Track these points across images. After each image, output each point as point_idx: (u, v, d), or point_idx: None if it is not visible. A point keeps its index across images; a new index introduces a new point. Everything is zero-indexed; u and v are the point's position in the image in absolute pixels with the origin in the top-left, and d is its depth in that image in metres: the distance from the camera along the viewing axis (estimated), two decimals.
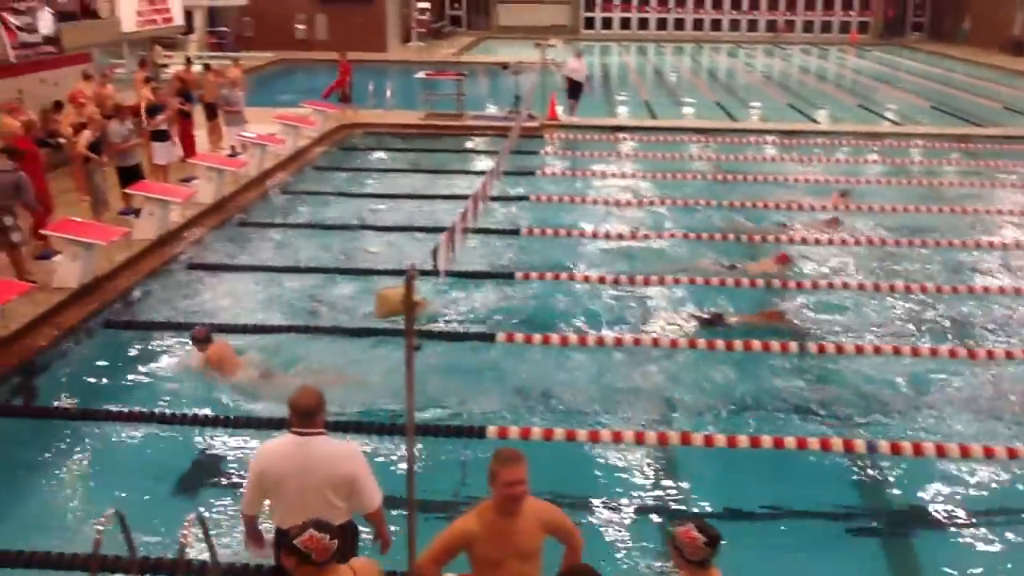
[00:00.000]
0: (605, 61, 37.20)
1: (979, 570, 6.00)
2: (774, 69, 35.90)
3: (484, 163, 16.77)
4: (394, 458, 7.00)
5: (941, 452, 7.12)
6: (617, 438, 7.40)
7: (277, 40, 35.08)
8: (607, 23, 48.39)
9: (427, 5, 40.47)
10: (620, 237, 12.88)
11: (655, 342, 9.27)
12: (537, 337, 9.23)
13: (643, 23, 48.37)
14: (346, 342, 9.27)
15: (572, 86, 22.12)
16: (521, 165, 16.76)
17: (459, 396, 8.17)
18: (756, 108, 25.48)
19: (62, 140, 13.51)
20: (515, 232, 12.89)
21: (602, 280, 11.01)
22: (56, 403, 8.07)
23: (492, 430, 7.40)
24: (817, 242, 12.57)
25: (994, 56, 38.30)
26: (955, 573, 5.97)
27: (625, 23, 48.37)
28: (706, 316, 9.87)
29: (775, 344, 9.10)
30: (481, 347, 9.17)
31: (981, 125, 22.55)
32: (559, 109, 21.09)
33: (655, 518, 6.58)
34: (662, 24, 48.29)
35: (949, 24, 46.62)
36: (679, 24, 48.28)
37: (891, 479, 7.11)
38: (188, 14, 26.95)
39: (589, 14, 48.41)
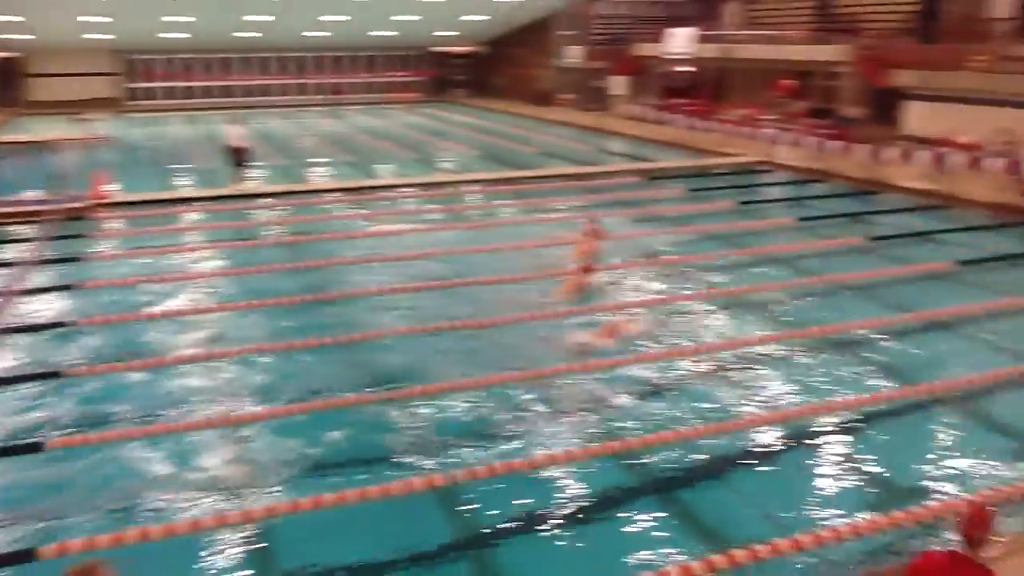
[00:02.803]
0: (153, 131, 35.56)
1: (571, 567, 6.51)
2: (332, 130, 36.87)
3: (17, 253, 15.08)
4: None
5: (510, 468, 7.61)
6: (197, 527, 6.89)
7: None
8: (151, 93, 46.48)
9: None
10: (197, 312, 12.24)
11: (231, 420, 8.85)
12: (93, 436, 8.35)
13: (189, 92, 47.15)
14: None
15: (238, 154, 21.63)
16: (68, 251, 15.29)
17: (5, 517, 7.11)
18: (320, 169, 25.94)
19: None
20: (60, 324, 11.63)
21: (161, 363, 10.32)
22: None
23: (49, 550, 6.50)
24: (393, 291, 13.01)
25: (528, 107, 43.05)
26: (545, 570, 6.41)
27: (170, 93, 46.77)
28: None
29: (352, 397, 9.14)
30: (27, 459, 8.08)
31: (523, 169, 25.08)
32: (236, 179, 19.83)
33: None
34: (208, 92, 47.46)
35: (488, 81, 51.61)
36: (227, 91, 47.79)
37: (477, 503, 7.46)
38: None
39: (133, 84, 46.13)
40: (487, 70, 51.87)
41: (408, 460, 8.14)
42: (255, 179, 22.49)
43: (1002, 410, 9.32)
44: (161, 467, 8.04)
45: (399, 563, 6.64)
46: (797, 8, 35.37)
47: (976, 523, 4.51)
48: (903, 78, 26.33)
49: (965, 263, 14.68)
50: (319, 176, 24.72)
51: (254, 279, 13.91)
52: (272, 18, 40.73)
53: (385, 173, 25.12)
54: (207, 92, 47.46)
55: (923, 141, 24.15)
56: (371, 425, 8.87)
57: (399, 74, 51.17)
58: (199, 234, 17.34)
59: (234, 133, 22.17)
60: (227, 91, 47.78)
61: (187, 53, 46.02)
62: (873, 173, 22.37)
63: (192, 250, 16.01)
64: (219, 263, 14.96)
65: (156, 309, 12.31)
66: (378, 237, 16.72)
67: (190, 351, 10.71)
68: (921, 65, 26.11)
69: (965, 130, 23.95)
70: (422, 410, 9.16)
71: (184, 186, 22.93)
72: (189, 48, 45.39)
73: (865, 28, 31.07)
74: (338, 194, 21.10)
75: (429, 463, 8.01)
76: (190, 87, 47.20)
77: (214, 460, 8.21)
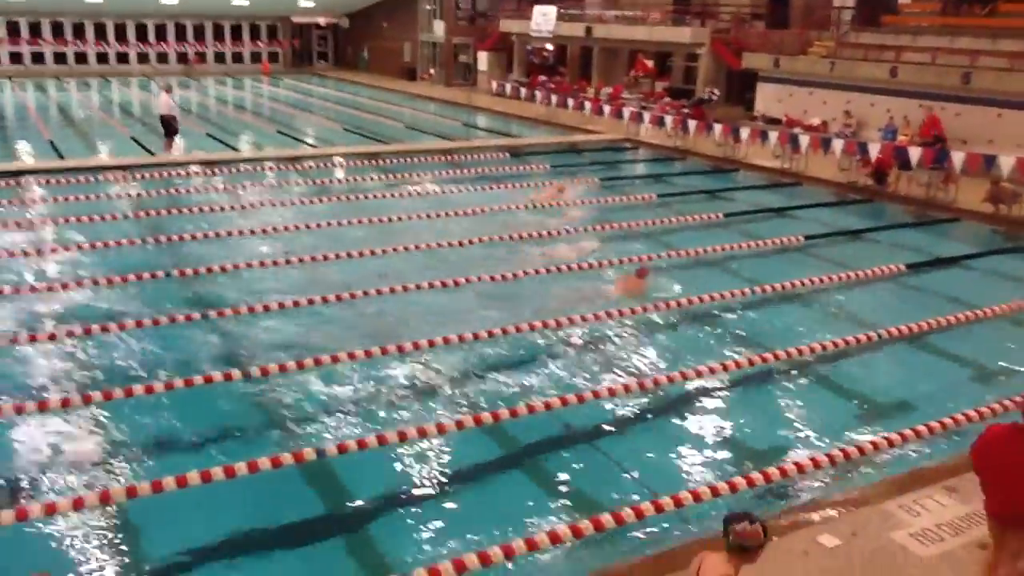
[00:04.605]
0: None
1: (441, 536, 6.52)
2: (191, 101, 35.37)
3: None
4: None
5: (382, 441, 7.59)
6: (51, 510, 6.55)
7: None
8: None
9: None
10: (52, 288, 11.56)
11: (86, 399, 8.43)
12: None
13: (38, 57, 44.34)
14: None
15: (169, 123, 21.37)
16: None
17: None
18: (177, 141, 24.79)
19: None
20: None
21: (15, 342, 9.75)
22: None
23: None
24: (248, 266, 12.65)
25: (393, 81, 42.55)
26: (419, 545, 6.42)
27: (16, 58, 43.85)
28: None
29: (217, 375, 8.86)
30: None
31: (388, 143, 24.80)
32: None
33: None
34: (60, 58, 44.79)
35: (351, 54, 50.66)
36: (81, 58, 45.21)
37: (350, 476, 7.39)
38: None
39: None
40: (350, 42, 50.90)
41: (276, 435, 8.00)
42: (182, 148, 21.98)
43: (848, 375, 9.93)
44: (14, 449, 7.61)
45: (269, 540, 6.52)
46: None
47: None
48: (755, 61, 27.46)
49: (813, 237, 15.52)
50: (178, 148, 23.67)
51: (113, 253, 13.25)
52: None
53: (247, 146, 24.34)
54: (58, 58, 44.71)
55: (774, 121, 25.31)
56: (238, 402, 8.66)
57: (260, 44, 49.56)
58: (49, 207, 16.33)
59: (164, 101, 21.23)
60: (79, 58, 45.15)
61: (25, 15, 43.16)
62: (729, 152, 23.29)
63: (43, 223, 15.09)
64: (74, 237, 14.14)
65: (5, 286, 11.55)
66: (242, 211, 16.22)
67: (49, 328, 10.13)
68: (771, 49, 27.30)
69: (812, 112, 25.27)
70: (291, 385, 8.99)
71: (23, 157, 21.57)
72: (27, 10, 42.55)
73: (720, 12, 32.19)
74: (198, 167, 20.31)
75: (298, 438, 7.89)
76: (37, 53, 44.34)
77: (73, 441, 7.83)
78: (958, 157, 18.02)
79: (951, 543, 6.33)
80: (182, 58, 47.45)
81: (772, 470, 7.44)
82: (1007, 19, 22.93)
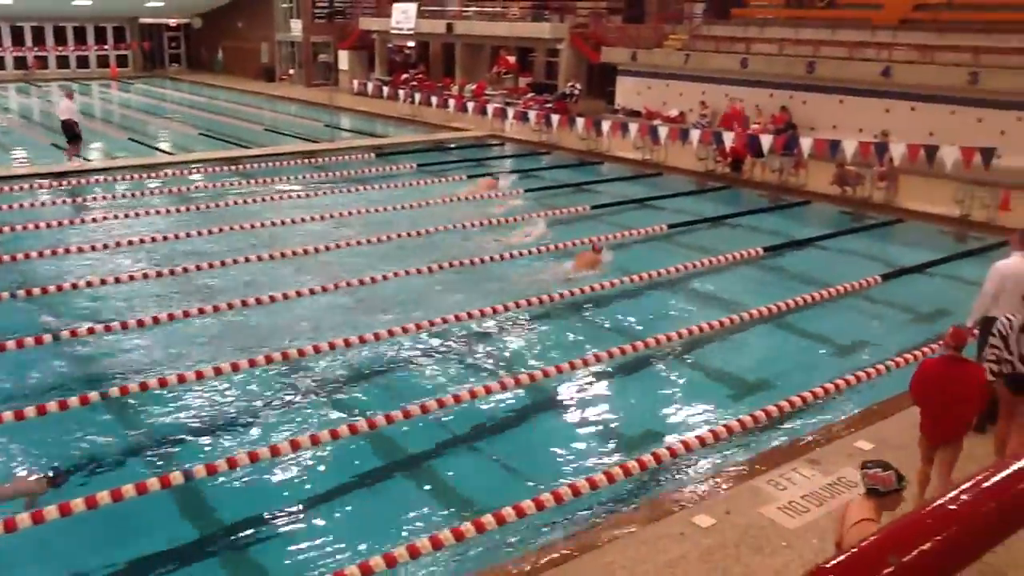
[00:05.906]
0: None
1: (321, 550, 6.37)
2: (32, 109, 33.46)
3: None
4: None
5: (254, 458, 7.34)
6: None
7: None
8: None
9: None
10: None
11: None
12: None
13: None
14: None
15: (71, 128, 20.17)
16: None
17: None
18: (20, 153, 23.40)
19: None
20: None
21: None
22: None
23: None
24: (103, 282, 12.04)
25: (251, 83, 41.37)
26: (299, 562, 6.26)
27: None
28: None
29: (74, 400, 8.38)
30: None
31: (248, 147, 24.09)
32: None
33: None
34: None
35: (205, 55, 48.96)
36: None
37: (221, 497, 7.12)
38: None
39: None
40: (204, 44, 49.16)
41: (140, 460, 7.64)
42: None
43: (716, 357, 10.26)
44: None
45: (138, 572, 6.21)
46: None
47: (958, 337, 6.26)
48: (614, 55, 28.04)
49: (676, 226, 15.97)
50: (18, 161, 22.29)
51: None
52: None
53: (95, 156, 23.15)
54: None
55: (634, 114, 25.93)
56: (98, 427, 8.21)
57: (106, 47, 47.20)
58: None
59: (65, 106, 19.91)
60: None
61: None
62: (593, 145, 23.70)
63: None
64: None
65: None
66: (95, 224, 15.41)
67: None
68: (628, 43, 27.94)
69: (670, 103, 26.01)
70: (155, 405, 8.60)
71: None
72: None
73: (578, 7, 32.71)
74: (42, 180, 19.17)
75: (164, 461, 7.55)
76: None
77: None
78: (806, 143, 18.88)
79: (815, 513, 6.61)
80: (20, 63, 44.73)
81: (647, 458, 7.58)
82: (845, 11, 24.22)
